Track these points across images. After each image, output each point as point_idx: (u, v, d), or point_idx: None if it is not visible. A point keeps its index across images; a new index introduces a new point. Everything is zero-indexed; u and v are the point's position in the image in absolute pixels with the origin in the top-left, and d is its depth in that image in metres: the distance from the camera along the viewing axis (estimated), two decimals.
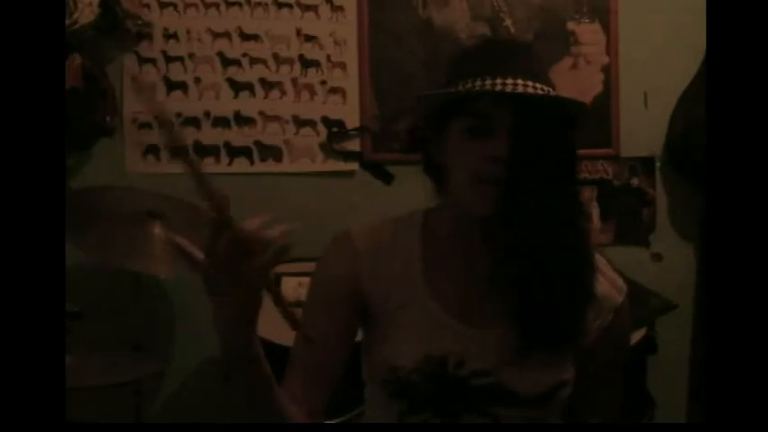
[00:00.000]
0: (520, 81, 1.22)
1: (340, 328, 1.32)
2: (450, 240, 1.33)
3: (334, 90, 2.78)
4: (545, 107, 1.23)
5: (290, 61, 2.77)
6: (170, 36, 2.74)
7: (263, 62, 2.76)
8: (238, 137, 2.76)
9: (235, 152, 2.76)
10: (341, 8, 2.77)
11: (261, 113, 2.76)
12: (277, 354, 1.52)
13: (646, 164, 2.84)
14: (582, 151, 1.30)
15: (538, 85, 1.23)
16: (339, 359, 1.32)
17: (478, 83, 1.24)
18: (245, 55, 2.76)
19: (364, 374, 1.37)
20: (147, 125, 2.72)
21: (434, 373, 1.27)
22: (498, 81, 1.22)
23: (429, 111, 1.31)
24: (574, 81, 2.79)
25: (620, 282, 1.36)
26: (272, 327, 2.20)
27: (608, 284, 1.33)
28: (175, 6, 2.74)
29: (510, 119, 1.22)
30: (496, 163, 1.21)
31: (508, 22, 2.79)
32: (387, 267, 1.32)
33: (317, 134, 2.78)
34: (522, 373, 1.26)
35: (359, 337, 1.36)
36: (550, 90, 1.24)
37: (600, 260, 1.32)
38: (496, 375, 1.27)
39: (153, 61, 2.73)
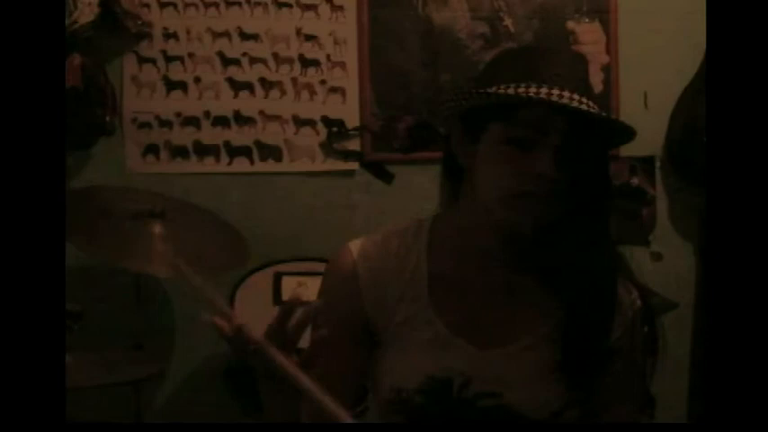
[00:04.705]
0: (567, 93, 1.15)
1: (350, 360, 1.27)
2: (461, 253, 1.27)
3: (333, 90, 2.77)
4: (593, 126, 1.18)
5: (289, 61, 2.77)
6: (170, 36, 2.74)
7: (263, 62, 2.76)
8: (238, 136, 2.76)
9: (235, 152, 2.75)
10: (341, 8, 2.77)
11: (261, 113, 2.76)
12: None
13: (646, 163, 2.83)
14: None
15: (589, 102, 1.17)
16: (353, 386, 1.29)
17: (532, 90, 1.15)
18: (244, 54, 2.76)
19: (372, 390, 1.31)
20: (147, 125, 2.73)
21: (438, 394, 1.22)
22: (555, 92, 1.15)
23: (463, 110, 1.23)
24: None
25: (633, 289, 1.31)
26: None
27: (624, 292, 1.29)
28: (175, 6, 2.74)
29: (559, 134, 1.16)
30: (540, 179, 1.15)
31: (508, 21, 2.79)
32: (390, 286, 1.26)
33: (317, 134, 2.77)
34: (530, 395, 1.22)
35: None
36: (599, 111, 1.18)
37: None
38: (504, 397, 1.22)
39: (153, 61, 2.73)
